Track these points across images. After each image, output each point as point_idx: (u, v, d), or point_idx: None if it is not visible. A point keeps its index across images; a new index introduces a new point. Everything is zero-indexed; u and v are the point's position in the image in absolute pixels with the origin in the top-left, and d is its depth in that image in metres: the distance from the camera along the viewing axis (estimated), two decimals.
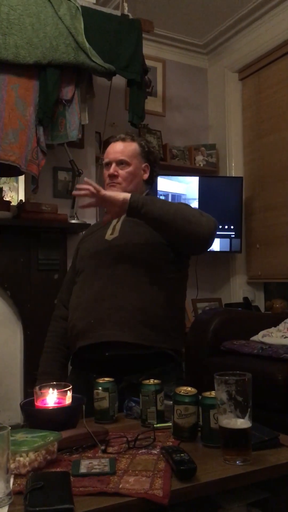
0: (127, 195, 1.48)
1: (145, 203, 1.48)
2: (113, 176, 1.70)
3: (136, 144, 1.75)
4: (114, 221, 1.70)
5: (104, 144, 3.41)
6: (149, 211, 1.48)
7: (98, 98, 3.06)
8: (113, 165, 1.71)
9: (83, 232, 1.98)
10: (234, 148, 3.94)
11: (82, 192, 1.50)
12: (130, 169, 1.70)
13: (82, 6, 2.74)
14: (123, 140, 1.74)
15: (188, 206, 1.66)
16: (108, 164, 1.73)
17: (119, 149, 1.72)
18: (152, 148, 1.82)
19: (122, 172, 1.70)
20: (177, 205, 1.59)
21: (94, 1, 2.99)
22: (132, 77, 2.92)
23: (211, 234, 1.53)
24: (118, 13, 2.99)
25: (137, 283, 1.55)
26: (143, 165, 1.75)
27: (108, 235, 1.66)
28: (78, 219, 2.87)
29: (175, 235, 1.54)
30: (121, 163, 1.70)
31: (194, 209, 1.62)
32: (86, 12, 2.76)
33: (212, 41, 4.00)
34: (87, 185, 1.48)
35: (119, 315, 1.51)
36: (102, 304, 1.54)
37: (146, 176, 1.76)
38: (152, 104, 3.76)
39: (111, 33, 2.84)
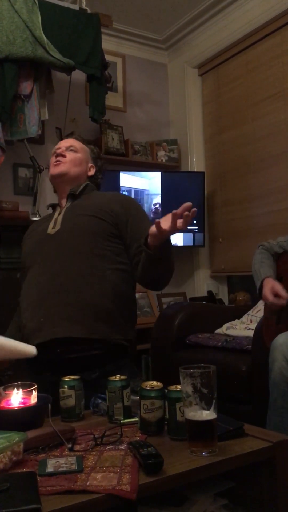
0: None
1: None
2: (60, 155, 1.71)
3: (86, 147, 1.81)
4: (56, 214, 1.70)
5: None
6: (169, 254, 1.48)
7: (58, 93, 3.02)
8: (63, 148, 1.74)
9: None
10: (195, 144, 3.97)
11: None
12: (78, 155, 1.74)
13: (39, 0, 2.70)
14: (75, 138, 1.82)
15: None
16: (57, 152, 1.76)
17: (70, 140, 1.79)
18: (101, 156, 1.87)
19: (70, 154, 1.73)
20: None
21: None
22: (92, 72, 2.90)
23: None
24: (76, 7, 2.96)
25: (83, 276, 1.53)
26: (89, 164, 1.79)
27: (50, 229, 1.65)
28: (40, 216, 2.83)
29: (157, 277, 1.56)
30: (70, 148, 1.75)
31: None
32: (44, 6, 2.72)
33: (171, 36, 4.01)
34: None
35: (68, 310, 1.49)
36: (49, 300, 1.51)
37: (90, 173, 1.78)
38: (112, 100, 3.75)
39: (70, 28, 2.81)
